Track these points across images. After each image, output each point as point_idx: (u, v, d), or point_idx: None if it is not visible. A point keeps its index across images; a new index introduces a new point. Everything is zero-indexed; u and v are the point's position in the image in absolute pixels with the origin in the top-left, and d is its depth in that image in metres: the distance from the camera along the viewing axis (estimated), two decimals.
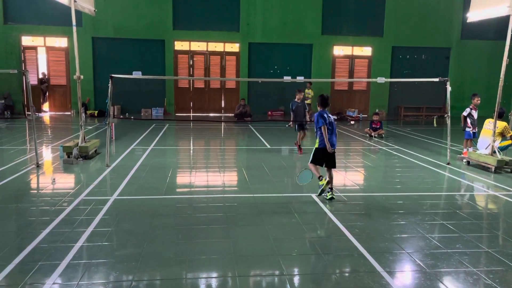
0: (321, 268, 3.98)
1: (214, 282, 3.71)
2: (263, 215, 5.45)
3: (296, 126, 10.03)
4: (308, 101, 17.53)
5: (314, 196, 6.34)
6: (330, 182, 6.16)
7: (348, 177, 8.05)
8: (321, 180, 6.18)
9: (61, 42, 18.68)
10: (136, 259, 4.04)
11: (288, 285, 3.63)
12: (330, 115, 6.27)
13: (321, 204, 5.94)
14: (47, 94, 18.90)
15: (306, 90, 17.78)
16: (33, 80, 17.57)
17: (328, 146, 6.09)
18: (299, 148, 10.07)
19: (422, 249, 4.45)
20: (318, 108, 6.35)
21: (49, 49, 18.69)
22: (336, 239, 4.70)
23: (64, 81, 18.95)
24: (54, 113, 18.83)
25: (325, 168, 6.28)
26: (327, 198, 6.11)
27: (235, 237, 4.71)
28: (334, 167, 6.27)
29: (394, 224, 5.21)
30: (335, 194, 6.25)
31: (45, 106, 19.11)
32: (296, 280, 3.74)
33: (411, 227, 5.12)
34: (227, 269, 3.93)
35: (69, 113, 18.75)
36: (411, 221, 5.31)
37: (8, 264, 3.85)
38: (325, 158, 6.19)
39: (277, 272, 3.87)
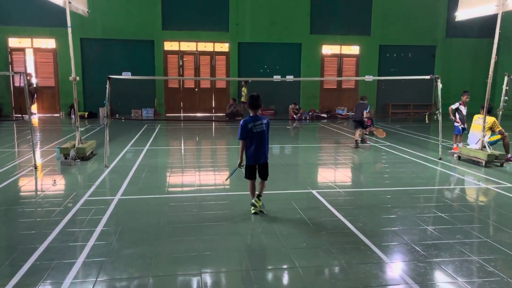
0: (330, 260, 4.12)
1: (230, 276, 3.82)
2: (268, 212, 5.56)
3: (354, 124, 11.51)
4: (243, 99, 17.87)
5: (315, 192, 6.50)
6: (259, 193, 5.49)
7: (344, 173, 8.22)
8: (255, 203, 5.44)
9: (48, 43, 18.52)
10: (150, 256, 4.12)
11: (301, 277, 3.76)
12: (263, 120, 5.30)
13: (323, 200, 6.09)
14: (35, 96, 18.70)
15: (243, 89, 18.11)
16: (22, 82, 17.36)
17: (239, 161, 5.43)
18: (362, 140, 11.25)
19: (424, 240, 4.63)
20: (249, 112, 5.38)
21: (37, 51, 18.51)
22: (342, 232, 4.85)
23: (52, 82, 18.78)
24: (42, 115, 18.65)
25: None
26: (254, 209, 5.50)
27: (243, 233, 4.82)
28: (265, 179, 5.49)
29: (395, 217, 5.39)
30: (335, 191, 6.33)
31: (33, 108, 18.90)
32: (308, 272, 3.86)
33: (411, 219, 5.30)
34: (240, 264, 4.04)
35: (58, 115, 18.60)
36: (411, 214, 5.50)
37: (24, 264, 3.89)
38: (257, 171, 5.47)
39: (288, 265, 4.00)
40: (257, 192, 5.48)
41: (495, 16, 8.40)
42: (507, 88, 9.35)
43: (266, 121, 5.34)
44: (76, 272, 3.77)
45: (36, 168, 7.91)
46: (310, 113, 19.16)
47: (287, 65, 20.00)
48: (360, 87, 20.91)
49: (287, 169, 8.39)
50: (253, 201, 5.44)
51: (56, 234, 4.64)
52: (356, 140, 10.98)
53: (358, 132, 11.10)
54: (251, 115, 5.34)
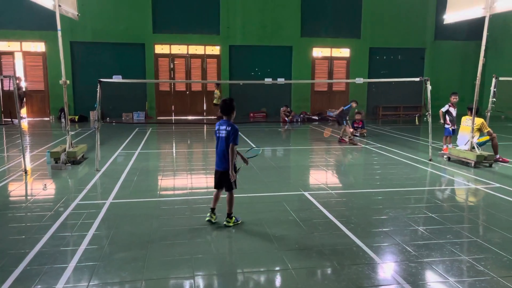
0: (323, 261, 4.14)
1: (223, 279, 3.82)
2: (260, 214, 5.58)
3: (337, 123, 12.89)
4: (215, 101, 17.97)
5: (307, 194, 6.53)
6: (228, 207, 5.15)
7: (336, 175, 8.27)
8: (210, 214, 5.21)
9: (38, 46, 18.37)
10: (143, 259, 4.11)
11: (294, 278, 3.78)
12: (226, 127, 4.96)
13: (315, 202, 6.11)
14: (24, 99, 18.51)
15: (215, 91, 18.22)
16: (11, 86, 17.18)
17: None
18: (341, 140, 12.18)
19: (415, 240, 4.67)
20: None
21: (26, 54, 18.36)
22: (334, 234, 4.87)
23: (42, 86, 18.63)
24: (32, 119, 18.48)
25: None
26: (224, 224, 5.12)
27: (236, 236, 4.83)
28: (227, 190, 5.12)
29: (386, 218, 5.43)
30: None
31: (23, 112, 18.71)
32: (301, 273, 3.88)
33: (402, 220, 5.35)
34: (233, 266, 4.05)
35: (48, 118, 18.44)
36: (402, 215, 5.55)
37: (15, 269, 3.86)
38: (219, 180, 5.15)
39: (281, 267, 4.01)
40: (212, 206, 5.22)
41: (482, 19, 8.53)
42: (495, 89, 9.48)
43: (230, 128, 4.94)
44: (68, 276, 3.74)
45: (26, 172, 7.84)
46: (301, 116, 19.22)
47: (278, 68, 20.05)
48: (350, 89, 21.05)
49: (279, 171, 8.41)
50: (208, 214, 5.15)
51: (47, 239, 4.60)
52: (350, 137, 11.95)
53: (345, 128, 12.10)
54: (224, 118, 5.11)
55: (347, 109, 12.38)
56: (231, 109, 5.09)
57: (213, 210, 5.25)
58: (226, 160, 5.00)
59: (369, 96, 21.26)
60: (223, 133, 4.99)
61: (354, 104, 12.50)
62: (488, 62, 19.91)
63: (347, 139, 12.05)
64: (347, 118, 12.37)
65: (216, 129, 5.09)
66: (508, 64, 19.47)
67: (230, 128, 4.97)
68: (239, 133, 5.08)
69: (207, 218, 5.19)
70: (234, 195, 5.20)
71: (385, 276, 3.85)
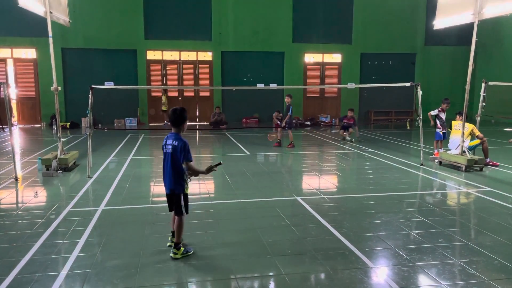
0: (316, 266, 4.15)
1: (216, 285, 3.81)
2: (253, 220, 5.59)
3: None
4: (163, 108, 18.26)
5: (300, 199, 6.54)
6: (177, 236, 4.39)
7: (328, 180, 8.29)
8: (171, 238, 4.55)
9: (29, 53, 18.29)
10: (135, 266, 4.09)
11: (287, 284, 3.78)
12: (173, 141, 4.24)
13: (308, 207, 6.13)
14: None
15: (162, 97, 18.50)
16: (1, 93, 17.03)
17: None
18: (276, 142, 12.63)
19: (407, 244, 4.70)
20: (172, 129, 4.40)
21: (17, 61, 18.26)
22: (327, 238, 4.89)
23: (33, 93, 18.53)
24: (23, 126, 18.34)
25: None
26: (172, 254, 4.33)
27: (229, 242, 4.82)
28: (176, 214, 4.39)
29: (379, 223, 5.46)
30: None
31: (13, 119, 18.56)
32: (294, 278, 3.89)
33: (394, 224, 5.38)
34: (226, 272, 4.03)
35: (39, 125, 18.32)
36: (394, 219, 5.58)
37: (6, 277, 3.82)
38: (170, 202, 4.47)
39: (274, 272, 4.01)
40: (172, 229, 4.60)
41: (471, 25, 8.64)
42: (484, 94, 9.60)
43: (177, 143, 4.22)
44: (59, 285, 3.71)
45: (17, 179, 7.77)
46: (293, 121, 19.26)
47: (270, 73, 20.14)
48: (342, 94, 21.18)
49: (272, 176, 8.42)
50: (169, 238, 4.58)
51: (39, 247, 4.56)
52: (278, 140, 12.66)
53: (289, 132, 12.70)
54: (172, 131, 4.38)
55: (291, 112, 12.47)
56: (182, 120, 4.34)
57: (173, 233, 4.55)
58: (175, 181, 4.28)
59: (361, 101, 21.41)
60: (169, 149, 4.26)
61: (288, 99, 12.51)
62: (478, 67, 20.10)
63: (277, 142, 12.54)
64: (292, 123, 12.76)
65: (162, 144, 4.37)
66: (497, 68, 19.73)
67: (177, 142, 4.22)
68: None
69: (169, 243, 4.54)
70: (224, 201, 5.19)
71: (378, 281, 3.87)
